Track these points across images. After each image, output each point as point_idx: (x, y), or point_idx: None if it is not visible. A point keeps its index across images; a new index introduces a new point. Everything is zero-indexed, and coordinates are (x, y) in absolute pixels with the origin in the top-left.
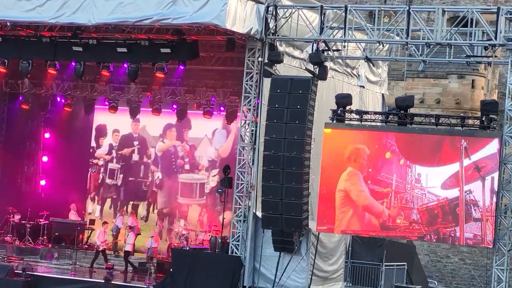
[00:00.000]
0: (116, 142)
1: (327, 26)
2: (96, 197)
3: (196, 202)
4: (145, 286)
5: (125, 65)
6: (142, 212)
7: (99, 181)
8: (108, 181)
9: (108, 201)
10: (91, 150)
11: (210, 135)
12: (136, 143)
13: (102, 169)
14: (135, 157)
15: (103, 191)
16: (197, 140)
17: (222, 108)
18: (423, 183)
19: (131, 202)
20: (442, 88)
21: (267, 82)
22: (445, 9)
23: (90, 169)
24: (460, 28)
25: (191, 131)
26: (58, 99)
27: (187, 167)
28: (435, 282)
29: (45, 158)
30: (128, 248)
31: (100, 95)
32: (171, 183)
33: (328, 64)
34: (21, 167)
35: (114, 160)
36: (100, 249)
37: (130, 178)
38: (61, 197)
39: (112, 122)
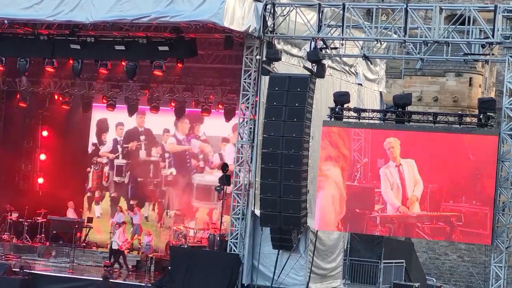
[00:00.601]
0: (120, 137)
1: (325, 24)
2: (101, 196)
3: (214, 206)
4: (143, 284)
5: (123, 63)
6: (148, 211)
7: (105, 179)
8: (116, 179)
9: (115, 199)
10: (93, 148)
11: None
12: (142, 137)
13: (107, 167)
14: (142, 153)
15: (110, 189)
16: (212, 136)
17: (220, 106)
18: None
19: (136, 201)
20: (439, 86)
21: (265, 80)
22: (443, 7)
23: (92, 166)
24: (458, 26)
25: (203, 125)
26: (56, 97)
27: (201, 164)
28: (434, 279)
29: (42, 156)
30: (116, 245)
31: (98, 93)
32: (184, 183)
33: (326, 62)
34: (19, 165)
35: (120, 156)
36: (123, 249)
37: (137, 175)
38: (59, 195)
39: (111, 120)
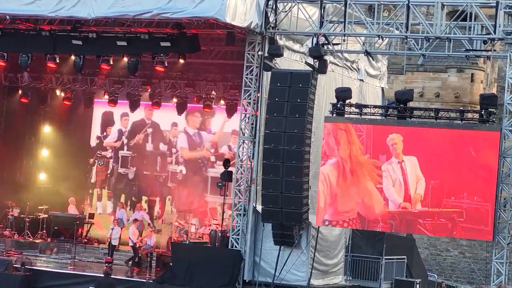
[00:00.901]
0: (125, 128)
1: (326, 20)
2: (103, 192)
3: (228, 201)
4: (145, 281)
5: (125, 59)
6: (156, 209)
7: (108, 174)
8: (120, 170)
9: (118, 195)
10: (98, 141)
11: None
12: (149, 130)
13: (111, 160)
14: (149, 146)
15: (114, 183)
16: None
17: (222, 102)
18: None
19: (139, 198)
20: (441, 81)
21: (267, 75)
22: (444, 3)
23: (96, 161)
24: (459, 22)
25: (214, 118)
26: (58, 92)
27: (212, 158)
28: (435, 275)
29: (44, 152)
30: (115, 242)
31: (100, 88)
32: (196, 180)
33: (328, 58)
34: (20, 161)
35: (125, 148)
36: (137, 246)
37: (143, 169)
38: (60, 191)
39: (116, 113)
